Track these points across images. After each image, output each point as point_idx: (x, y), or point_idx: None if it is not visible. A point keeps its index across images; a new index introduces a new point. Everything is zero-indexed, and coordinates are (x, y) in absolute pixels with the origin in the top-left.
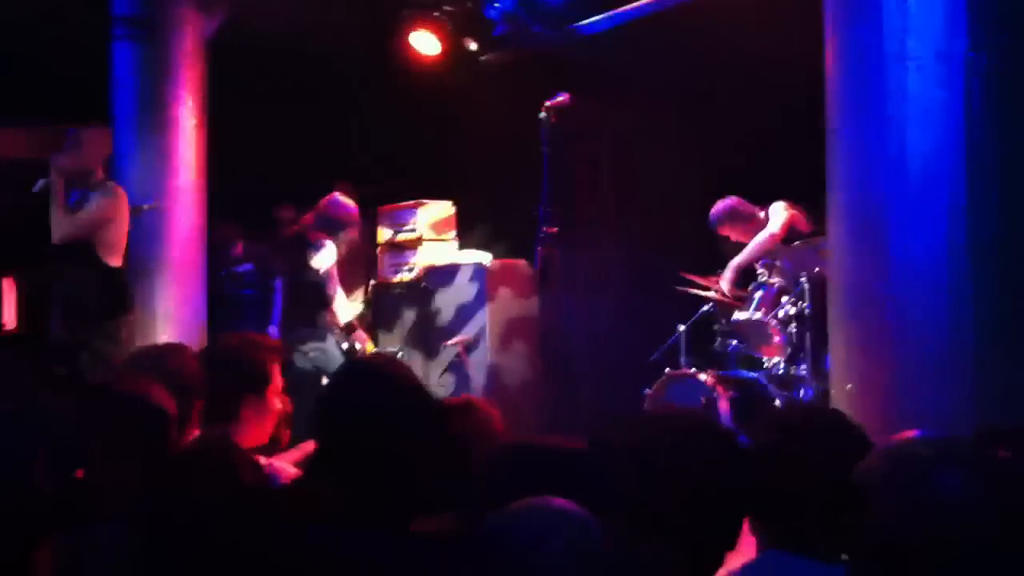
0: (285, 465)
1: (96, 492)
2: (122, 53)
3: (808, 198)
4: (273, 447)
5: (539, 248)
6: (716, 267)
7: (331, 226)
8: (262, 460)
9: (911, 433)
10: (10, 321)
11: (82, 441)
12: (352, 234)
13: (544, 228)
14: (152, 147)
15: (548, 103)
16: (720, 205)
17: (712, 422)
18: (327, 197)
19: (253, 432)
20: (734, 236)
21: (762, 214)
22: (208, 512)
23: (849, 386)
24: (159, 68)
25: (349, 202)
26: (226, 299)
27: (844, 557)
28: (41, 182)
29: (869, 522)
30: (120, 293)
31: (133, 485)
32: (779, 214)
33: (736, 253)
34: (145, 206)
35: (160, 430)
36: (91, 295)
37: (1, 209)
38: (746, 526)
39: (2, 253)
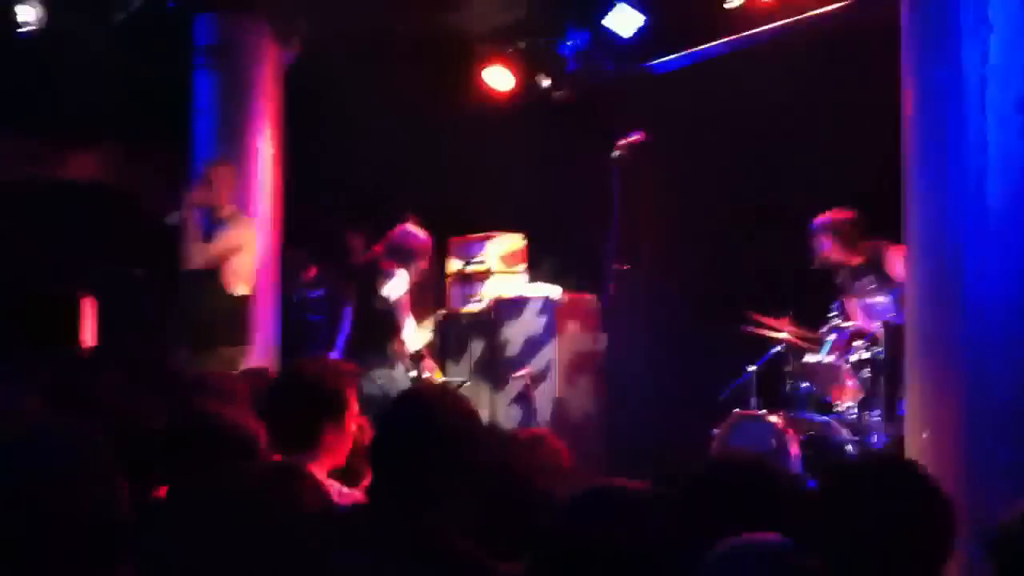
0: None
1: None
2: (202, 82)
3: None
4: (353, 477)
5: (608, 284)
6: (786, 308)
7: (403, 255)
8: (342, 489)
9: None
10: (89, 340)
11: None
12: (423, 264)
13: (613, 264)
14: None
15: (621, 141)
16: (833, 213)
17: (775, 469)
18: (399, 227)
19: (331, 457)
20: (827, 251)
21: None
22: (269, 536)
23: (925, 434)
24: (238, 97)
25: (420, 232)
26: (296, 324)
27: None
28: (175, 215)
29: None
30: (244, 321)
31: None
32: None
33: (820, 266)
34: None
35: (241, 453)
36: (218, 322)
37: (81, 231)
38: None
39: (84, 273)
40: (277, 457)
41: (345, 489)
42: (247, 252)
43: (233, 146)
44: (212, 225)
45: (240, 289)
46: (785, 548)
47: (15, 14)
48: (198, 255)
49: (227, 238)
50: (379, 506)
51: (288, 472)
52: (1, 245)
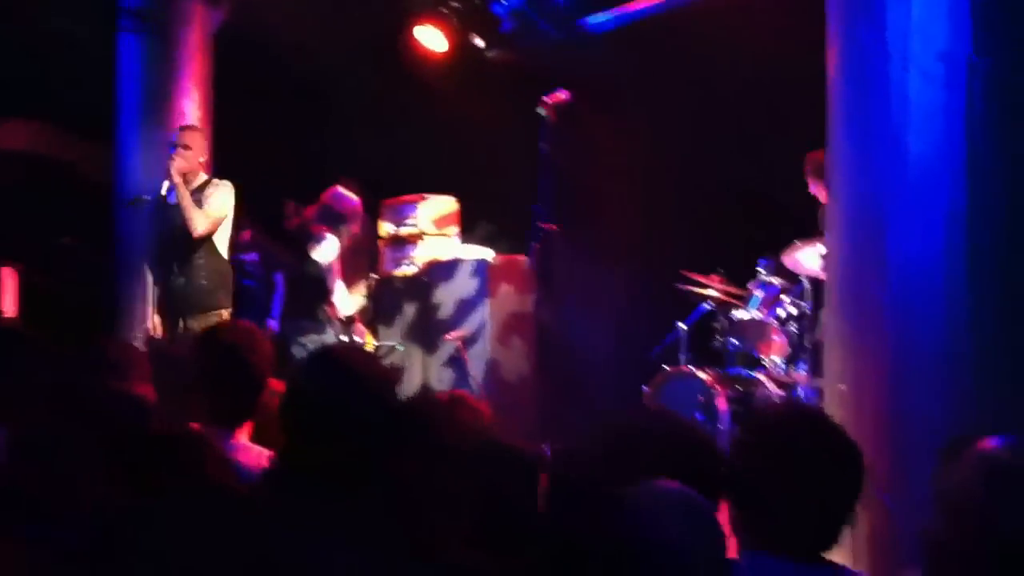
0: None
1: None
2: (128, 45)
3: (810, 202)
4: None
5: (535, 245)
6: (716, 266)
7: (333, 219)
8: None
9: (991, 441)
10: (9, 310)
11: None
12: (354, 228)
13: (541, 225)
14: (157, 140)
15: (546, 99)
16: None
17: (685, 425)
18: (329, 190)
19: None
20: (811, 188)
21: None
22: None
23: (842, 386)
24: (165, 61)
25: (351, 195)
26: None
27: (825, 557)
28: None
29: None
30: (232, 286)
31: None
32: None
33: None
34: (146, 197)
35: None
36: (213, 288)
37: (7, 200)
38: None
39: (9, 243)
40: (196, 427)
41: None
42: (230, 219)
43: (160, 111)
44: (194, 194)
45: (226, 255)
46: (688, 495)
47: None
48: (203, 223)
49: (222, 205)
50: (289, 471)
51: (179, 442)
52: None
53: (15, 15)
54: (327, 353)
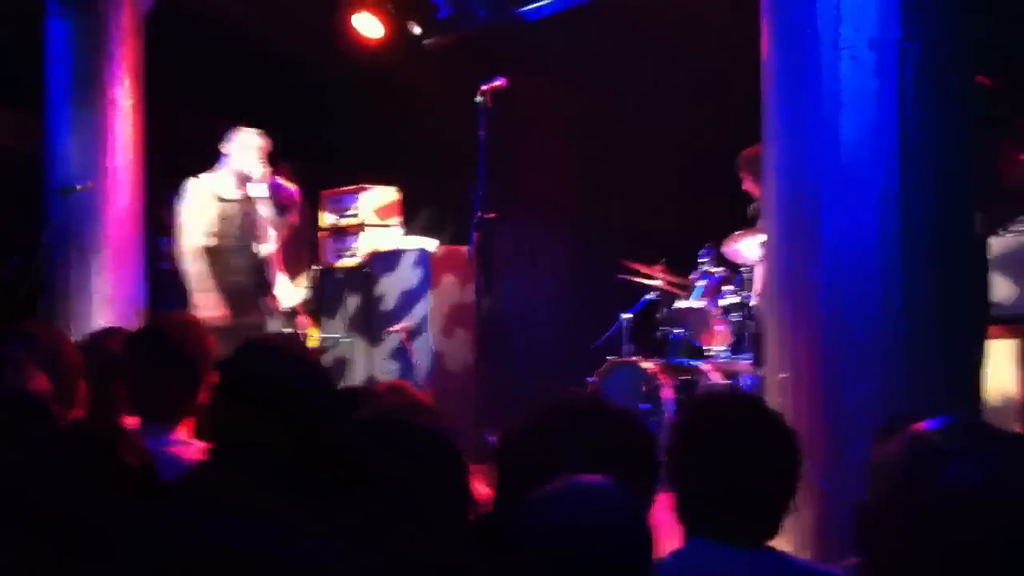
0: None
1: None
2: (56, 28)
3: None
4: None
5: (475, 233)
6: (658, 256)
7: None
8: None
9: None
10: None
11: None
12: (293, 218)
13: (480, 213)
14: (87, 126)
15: (484, 86)
16: (753, 147)
17: (622, 411)
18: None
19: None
20: (745, 184)
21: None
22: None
23: (782, 375)
24: (94, 44)
25: (290, 185)
26: (161, 276)
27: (768, 543)
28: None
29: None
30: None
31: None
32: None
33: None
34: (79, 186)
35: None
36: (260, 281)
37: None
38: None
39: None
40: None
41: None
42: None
43: (90, 96)
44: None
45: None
46: (606, 487)
47: None
48: (277, 232)
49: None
50: (223, 460)
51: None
52: None
53: None
54: (261, 340)
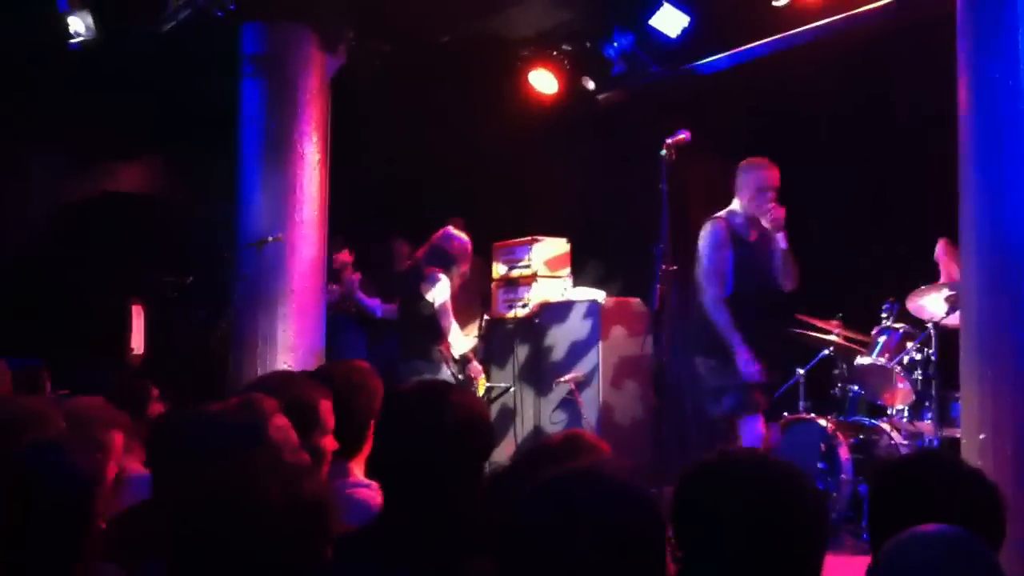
0: None
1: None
2: (251, 90)
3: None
4: None
5: (657, 286)
6: (835, 311)
7: (444, 260)
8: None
9: None
10: (139, 347)
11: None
12: (464, 267)
13: (662, 266)
14: (277, 182)
15: (668, 140)
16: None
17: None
18: (440, 231)
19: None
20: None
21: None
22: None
23: (982, 435)
24: (285, 105)
25: (462, 235)
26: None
27: None
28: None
29: None
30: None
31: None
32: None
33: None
34: (270, 238)
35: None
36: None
37: (131, 242)
38: None
39: (134, 283)
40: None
41: None
42: None
43: (280, 153)
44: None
45: None
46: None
47: (67, 25)
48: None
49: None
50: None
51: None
52: (53, 257)
53: (140, 58)
54: (418, 385)
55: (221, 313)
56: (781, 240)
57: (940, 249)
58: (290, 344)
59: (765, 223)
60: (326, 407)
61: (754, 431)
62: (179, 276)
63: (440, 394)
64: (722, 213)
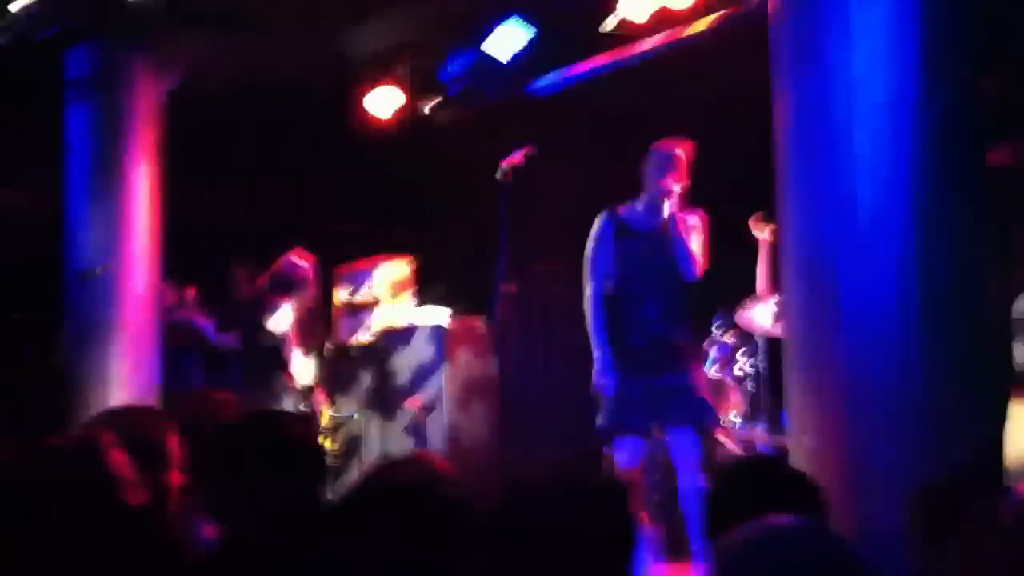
0: None
1: None
2: (76, 116)
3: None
4: None
5: (497, 304)
6: None
7: (286, 287)
8: None
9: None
10: None
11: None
12: (308, 294)
13: (500, 285)
14: (106, 211)
15: (504, 162)
16: None
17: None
18: (281, 258)
19: None
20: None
21: None
22: None
23: (806, 439)
24: (113, 131)
25: (303, 262)
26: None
27: None
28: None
29: None
30: None
31: None
32: None
33: None
34: (97, 269)
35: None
36: None
37: None
38: None
39: None
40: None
41: None
42: None
43: (109, 180)
44: None
45: None
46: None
47: None
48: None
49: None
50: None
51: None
52: None
53: None
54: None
55: (51, 350)
56: (690, 222)
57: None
58: (123, 381)
59: (668, 207)
60: (174, 441)
61: (622, 457)
62: (5, 314)
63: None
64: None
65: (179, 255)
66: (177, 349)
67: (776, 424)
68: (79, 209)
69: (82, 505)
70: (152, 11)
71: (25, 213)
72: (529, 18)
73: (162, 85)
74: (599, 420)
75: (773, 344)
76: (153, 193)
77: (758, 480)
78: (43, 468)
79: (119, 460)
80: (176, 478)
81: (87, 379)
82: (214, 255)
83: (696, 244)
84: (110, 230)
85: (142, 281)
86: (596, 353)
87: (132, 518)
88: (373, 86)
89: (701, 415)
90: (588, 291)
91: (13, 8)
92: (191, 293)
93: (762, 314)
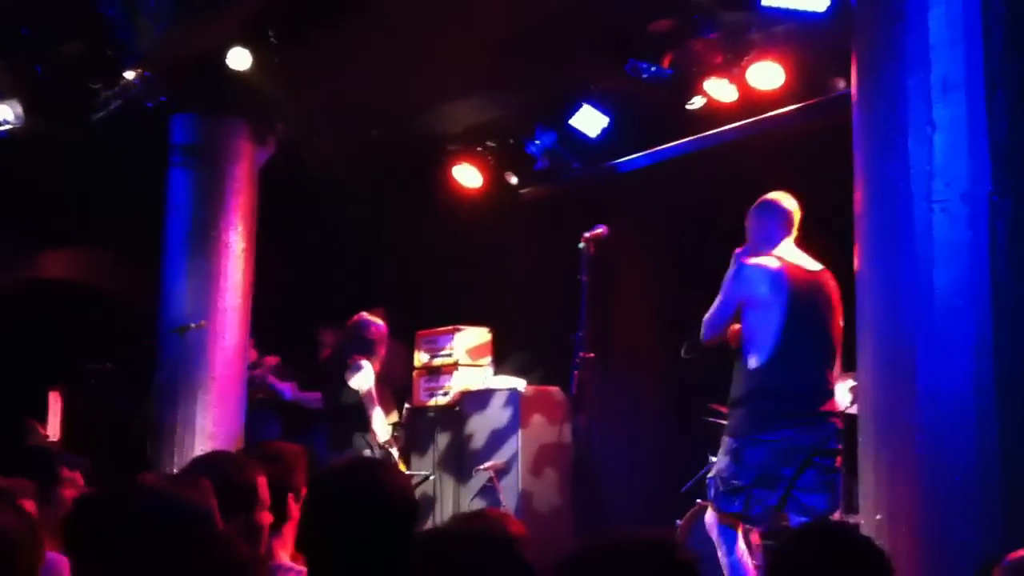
0: None
1: None
2: (178, 179)
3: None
4: None
5: (575, 372)
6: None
7: (365, 346)
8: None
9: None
10: (54, 434)
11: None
12: (382, 353)
13: (580, 354)
14: (201, 270)
15: (587, 234)
16: None
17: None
18: (354, 318)
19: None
20: None
21: None
22: None
23: (878, 516)
24: (212, 194)
25: (377, 320)
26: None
27: None
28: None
29: None
30: None
31: None
32: None
33: None
34: (193, 325)
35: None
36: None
37: (53, 327)
38: None
39: (49, 368)
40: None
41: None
42: None
43: (206, 241)
44: None
45: None
46: None
47: None
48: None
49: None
50: None
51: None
52: None
53: (68, 146)
54: (341, 465)
55: (141, 400)
56: None
57: None
58: (209, 431)
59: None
60: (263, 483)
61: None
62: (100, 363)
63: (368, 471)
64: None
65: (268, 315)
66: (258, 403)
67: (850, 502)
68: (176, 266)
69: (180, 543)
70: (256, 84)
71: (124, 267)
72: (613, 98)
73: (260, 153)
74: None
75: (850, 422)
76: (246, 254)
77: (826, 544)
78: (144, 507)
79: (215, 502)
80: (266, 518)
81: (175, 428)
82: (299, 317)
83: None
84: (204, 287)
85: (232, 338)
86: None
87: (228, 553)
88: (462, 159)
89: None
90: None
91: (127, 75)
92: (272, 361)
93: (839, 392)
